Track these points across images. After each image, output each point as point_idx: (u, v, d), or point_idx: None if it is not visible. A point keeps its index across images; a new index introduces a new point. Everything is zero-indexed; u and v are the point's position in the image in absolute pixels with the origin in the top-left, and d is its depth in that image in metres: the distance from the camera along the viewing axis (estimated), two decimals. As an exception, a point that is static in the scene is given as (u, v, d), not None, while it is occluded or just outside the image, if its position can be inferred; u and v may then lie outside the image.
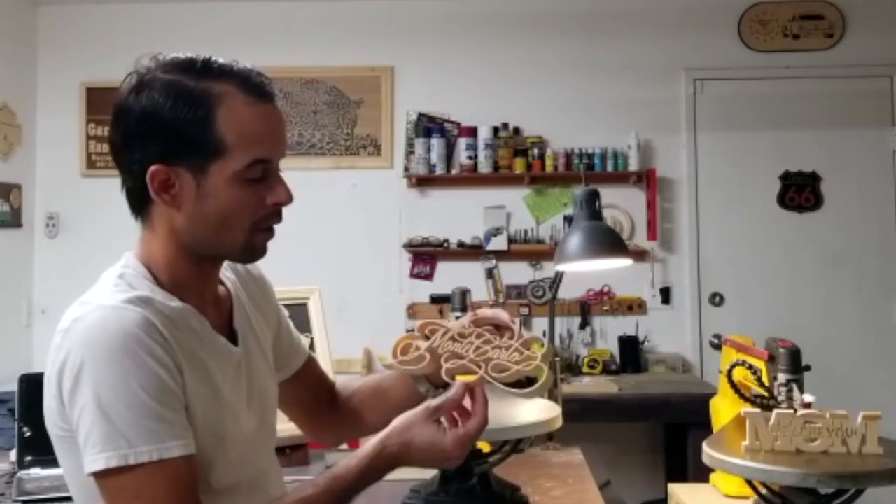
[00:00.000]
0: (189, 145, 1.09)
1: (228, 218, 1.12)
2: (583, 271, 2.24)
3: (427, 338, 1.23)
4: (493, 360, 1.18)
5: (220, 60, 1.14)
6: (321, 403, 1.46)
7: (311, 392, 1.45)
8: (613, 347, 4.33)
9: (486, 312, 1.32)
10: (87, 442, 1.03)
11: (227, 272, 1.29)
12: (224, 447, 1.14)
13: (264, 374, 1.27)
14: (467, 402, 1.17)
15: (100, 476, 1.03)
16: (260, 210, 1.14)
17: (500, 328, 1.28)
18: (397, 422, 1.14)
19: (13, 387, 2.26)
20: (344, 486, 1.10)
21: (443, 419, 1.16)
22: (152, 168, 1.10)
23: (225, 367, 1.17)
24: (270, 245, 1.36)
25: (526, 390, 1.18)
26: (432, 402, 1.14)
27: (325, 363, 2.39)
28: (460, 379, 1.17)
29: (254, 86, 1.13)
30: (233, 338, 1.22)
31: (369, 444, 1.15)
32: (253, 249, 1.17)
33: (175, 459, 1.02)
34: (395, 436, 1.13)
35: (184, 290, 1.15)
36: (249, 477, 1.19)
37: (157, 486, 1.01)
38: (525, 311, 4.35)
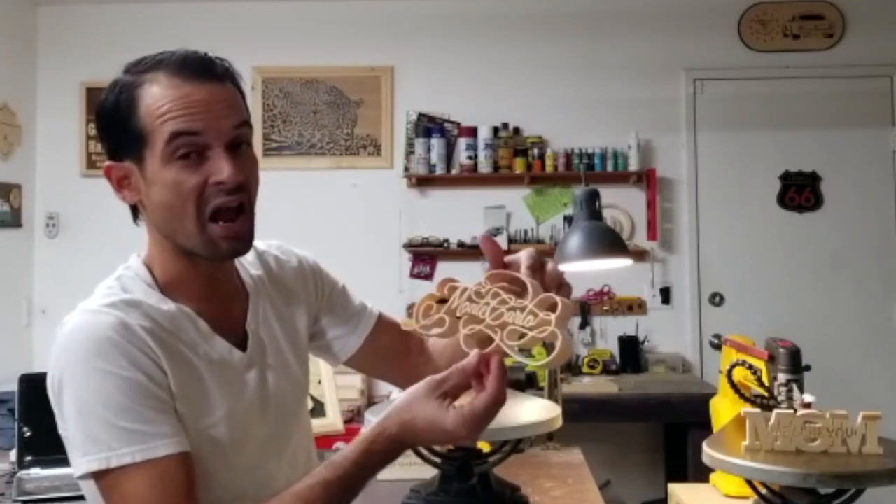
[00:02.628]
0: (123, 137, 1.10)
1: (174, 205, 1.09)
2: (583, 271, 2.24)
3: (446, 298, 1.08)
4: (508, 324, 1.02)
5: (172, 51, 1.12)
6: (408, 360, 1.41)
7: (390, 352, 1.41)
8: (613, 347, 4.33)
9: (513, 258, 1.14)
10: (72, 446, 1.04)
11: (253, 269, 1.26)
12: (225, 453, 1.12)
13: (285, 375, 1.24)
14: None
15: (87, 479, 1.04)
16: (204, 191, 1.08)
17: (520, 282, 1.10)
18: (399, 399, 1.05)
19: (13, 387, 2.27)
20: (340, 474, 1.02)
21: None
22: (105, 165, 1.13)
23: (225, 371, 1.15)
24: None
25: (542, 361, 1.00)
26: (436, 376, 1.02)
27: (325, 364, 2.39)
28: (476, 349, 1.02)
29: (184, 67, 1.09)
30: (245, 340, 1.20)
31: (368, 427, 1.07)
32: (212, 243, 1.10)
33: (161, 459, 1.01)
34: (394, 415, 1.03)
35: (181, 291, 1.15)
36: (258, 483, 1.15)
37: (142, 486, 1.01)
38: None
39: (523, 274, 1.07)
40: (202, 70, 1.10)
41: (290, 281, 1.31)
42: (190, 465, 1.05)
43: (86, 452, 1.02)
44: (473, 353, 1.01)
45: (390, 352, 1.42)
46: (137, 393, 1.03)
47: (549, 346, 1.01)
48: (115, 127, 1.11)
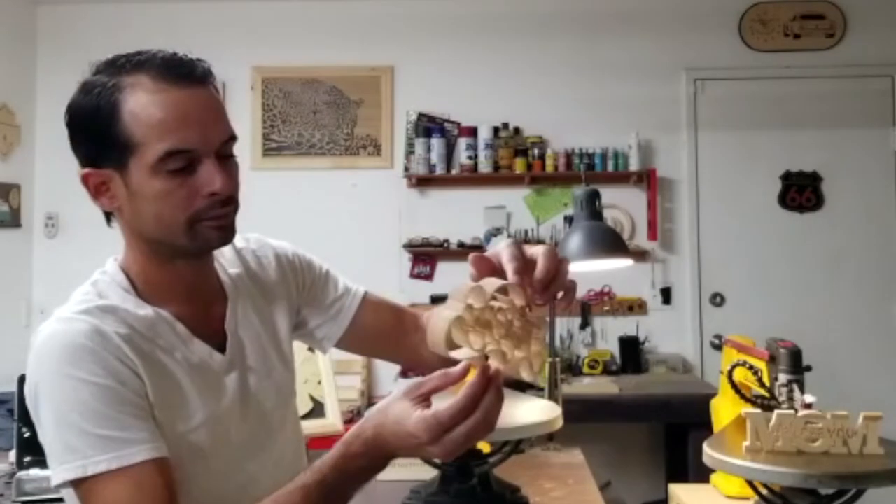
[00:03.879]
0: (105, 144, 1.06)
1: (162, 214, 1.07)
2: (583, 271, 2.24)
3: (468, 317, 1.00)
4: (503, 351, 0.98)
5: (149, 52, 1.08)
6: (404, 338, 1.38)
7: (381, 332, 1.38)
8: (614, 348, 4.32)
9: (493, 255, 1.09)
10: (50, 455, 1.03)
11: (232, 267, 1.24)
12: (205, 458, 1.10)
13: (266, 375, 1.22)
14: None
15: (66, 487, 1.03)
16: (195, 202, 1.07)
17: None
18: (382, 402, 1.00)
19: (12, 387, 2.27)
20: (319, 479, 0.98)
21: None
22: (82, 172, 1.11)
23: (205, 375, 1.13)
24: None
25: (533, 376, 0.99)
26: (419, 379, 0.97)
27: (325, 363, 2.39)
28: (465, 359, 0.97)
29: (169, 70, 1.06)
30: (225, 342, 1.18)
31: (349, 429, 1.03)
32: (202, 238, 1.09)
33: (138, 465, 1.00)
34: (373, 417, 0.98)
35: (160, 295, 1.13)
36: (238, 486, 1.14)
37: (120, 493, 0.99)
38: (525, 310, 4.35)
39: (511, 278, 1.03)
40: (187, 73, 1.07)
41: (270, 277, 1.29)
42: (168, 470, 1.03)
43: (62, 461, 1.01)
44: (462, 363, 0.96)
45: (381, 332, 1.39)
46: (112, 400, 1.02)
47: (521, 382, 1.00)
48: (94, 133, 1.07)
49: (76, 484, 1.01)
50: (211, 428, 1.11)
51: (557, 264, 1.08)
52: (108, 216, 1.15)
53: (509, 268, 1.04)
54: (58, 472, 1.01)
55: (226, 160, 1.10)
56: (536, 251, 1.09)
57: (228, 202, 1.09)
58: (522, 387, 2.28)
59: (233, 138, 1.12)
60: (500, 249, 1.09)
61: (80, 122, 1.09)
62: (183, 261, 1.13)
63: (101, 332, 1.04)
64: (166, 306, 1.13)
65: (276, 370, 1.25)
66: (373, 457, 0.98)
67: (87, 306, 1.08)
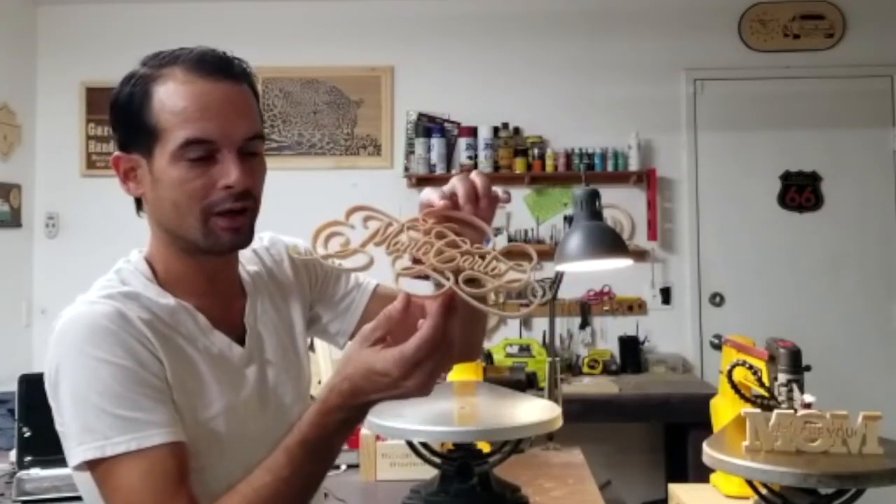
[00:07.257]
0: (134, 130, 1.11)
1: (179, 203, 1.10)
2: (583, 271, 2.24)
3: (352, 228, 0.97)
4: (464, 269, 0.91)
5: (189, 47, 1.12)
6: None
7: None
8: (614, 347, 4.32)
9: (455, 188, 1.08)
10: (68, 436, 1.04)
11: (251, 265, 1.27)
12: (222, 447, 1.12)
13: (285, 370, 1.24)
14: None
15: (83, 469, 1.04)
16: (210, 194, 1.09)
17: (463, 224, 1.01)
18: (342, 357, 1.01)
19: (13, 387, 2.27)
20: (300, 438, 0.98)
21: None
22: (113, 155, 1.15)
23: (225, 366, 1.16)
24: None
25: (526, 310, 0.95)
26: (367, 326, 0.98)
27: (325, 363, 2.39)
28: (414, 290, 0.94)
29: (200, 64, 1.10)
30: (244, 335, 1.20)
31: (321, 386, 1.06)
32: (214, 237, 1.11)
33: (155, 448, 1.01)
34: (340, 370, 0.98)
35: (181, 287, 1.15)
36: None
37: (135, 475, 1.01)
38: (525, 309, 4.35)
39: (478, 221, 1.02)
40: (219, 68, 1.10)
41: (285, 274, 1.31)
42: (184, 455, 1.05)
43: (81, 441, 1.02)
44: (400, 297, 0.95)
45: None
46: (132, 381, 1.03)
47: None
48: (126, 119, 1.11)
49: (92, 465, 1.02)
50: (228, 418, 1.13)
51: (472, 183, 1.11)
52: (139, 205, 1.18)
53: (441, 204, 1.07)
54: (75, 452, 1.02)
55: (250, 158, 1.12)
56: (451, 183, 1.13)
57: (244, 197, 1.11)
58: (522, 387, 2.29)
59: (259, 137, 1.14)
60: (427, 197, 1.13)
61: (116, 110, 1.13)
62: (203, 256, 1.15)
63: (124, 315, 1.06)
64: (187, 298, 1.15)
65: (294, 365, 1.27)
66: (350, 407, 0.98)
67: (111, 291, 1.10)
